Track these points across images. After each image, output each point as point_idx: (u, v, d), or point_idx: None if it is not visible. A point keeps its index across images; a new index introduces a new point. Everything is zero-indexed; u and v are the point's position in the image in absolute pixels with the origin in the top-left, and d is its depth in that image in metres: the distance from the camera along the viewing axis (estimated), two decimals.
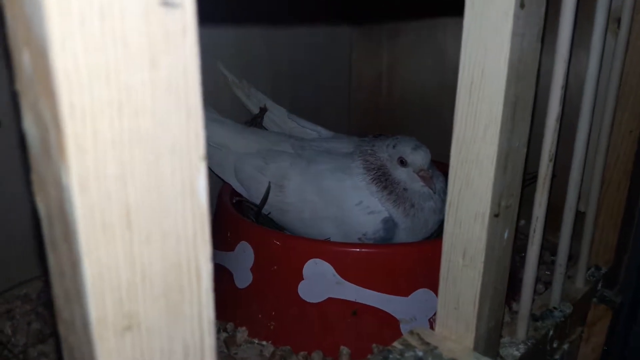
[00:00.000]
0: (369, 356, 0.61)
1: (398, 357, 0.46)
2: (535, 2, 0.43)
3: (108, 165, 0.20)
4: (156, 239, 0.22)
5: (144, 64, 0.20)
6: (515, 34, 0.41)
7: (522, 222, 0.89)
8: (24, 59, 0.20)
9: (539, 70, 0.46)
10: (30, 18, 0.18)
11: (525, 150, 0.46)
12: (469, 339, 0.47)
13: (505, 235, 0.46)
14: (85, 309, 0.21)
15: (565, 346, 0.67)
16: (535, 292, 0.75)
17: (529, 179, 0.64)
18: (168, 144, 0.21)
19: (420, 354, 0.46)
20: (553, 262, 0.72)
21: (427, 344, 0.47)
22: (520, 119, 0.44)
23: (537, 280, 0.80)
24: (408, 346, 0.47)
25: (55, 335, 0.68)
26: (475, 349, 0.47)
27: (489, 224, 0.44)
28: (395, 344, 0.47)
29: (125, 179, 0.20)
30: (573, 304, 0.66)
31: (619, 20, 0.65)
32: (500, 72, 0.42)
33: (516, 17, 0.41)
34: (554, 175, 0.61)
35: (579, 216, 0.71)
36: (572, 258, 0.78)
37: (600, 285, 0.74)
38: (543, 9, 0.44)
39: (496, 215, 0.44)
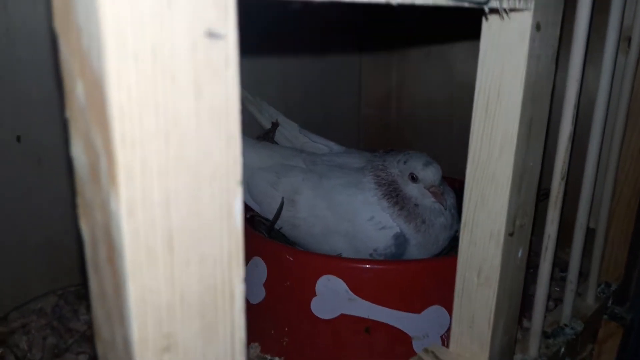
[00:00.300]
0: None
1: None
2: (551, 25, 0.44)
3: (154, 191, 0.21)
4: (195, 261, 0.23)
5: (190, 94, 0.21)
6: (531, 56, 0.42)
7: (532, 238, 0.89)
8: (77, 89, 0.20)
9: (553, 89, 0.47)
10: (87, 52, 0.19)
11: (539, 169, 0.47)
12: (483, 357, 0.47)
13: (520, 254, 0.47)
14: (128, 329, 0.22)
15: None
16: (546, 308, 0.75)
17: (541, 196, 0.65)
18: (209, 171, 0.22)
19: None
20: (563, 279, 0.72)
21: None
22: (535, 139, 0.45)
23: (548, 297, 0.80)
24: None
25: (83, 334, 0.68)
26: None
27: (504, 243, 0.44)
28: None
29: (169, 205, 0.21)
30: (584, 321, 0.66)
31: (629, 39, 0.66)
32: (516, 93, 0.42)
33: (532, 39, 0.42)
34: (565, 193, 0.61)
35: (590, 233, 0.71)
36: (582, 275, 0.78)
37: (610, 302, 0.74)
38: (558, 31, 0.45)
39: (511, 234, 0.45)
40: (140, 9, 0.19)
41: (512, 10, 0.41)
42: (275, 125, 0.93)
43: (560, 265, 0.84)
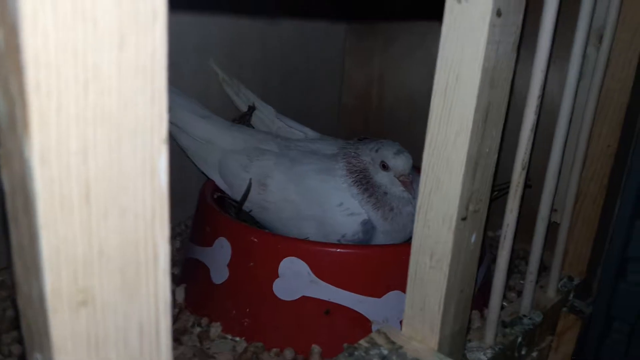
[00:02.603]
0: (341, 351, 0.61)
1: (363, 354, 0.46)
2: (513, 11, 0.44)
3: (71, 141, 0.21)
4: (114, 215, 0.22)
5: (113, 45, 0.21)
6: (490, 42, 0.42)
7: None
8: None
9: (513, 79, 0.47)
10: None
11: (496, 156, 0.47)
12: (434, 340, 0.48)
13: (473, 239, 0.47)
14: (41, 281, 0.21)
15: (535, 354, 0.68)
16: (508, 300, 0.76)
17: (506, 189, 0.66)
18: (131, 125, 0.22)
19: (385, 352, 0.47)
20: None
21: (393, 343, 0.48)
22: (492, 126, 0.45)
23: (511, 289, 0.81)
24: (374, 344, 0.48)
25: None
26: (440, 350, 0.48)
27: (456, 227, 0.44)
28: (362, 341, 0.48)
29: (87, 155, 0.21)
30: (543, 312, 0.67)
31: (601, 37, 0.67)
32: (474, 77, 0.43)
33: (492, 25, 0.42)
34: (529, 186, 0.62)
35: (555, 227, 0.72)
36: (547, 269, 0.79)
37: (572, 295, 0.75)
38: (520, 18, 0.45)
39: (464, 219, 0.45)
40: None
41: None
42: (251, 108, 0.92)
43: (527, 259, 0.85)
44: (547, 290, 0.71)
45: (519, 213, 0.56)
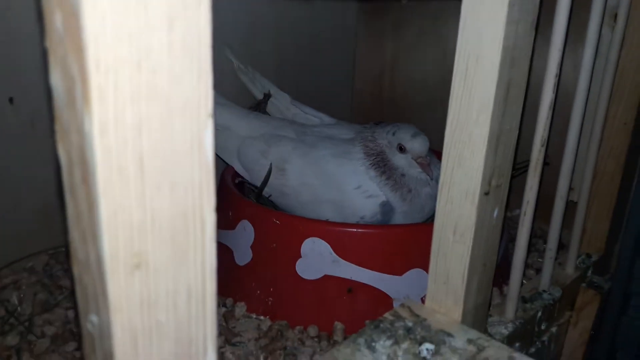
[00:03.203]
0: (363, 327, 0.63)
1: (389, 326, 0.48)
2: None
3: (126, 115, 0.22)
4: (166, 187, 0.24)
5: (163, 27, 0.22)
6: (509, 21, 0.43)
7: (518, 211, 0.91)
8: (56, 19, 0.22)
9: (532, 58, 0.48)
10: None
11: (517, 132, 0.48)
12: (457, 313, 0.49)
13: (495, 213, 0.48)
14: (100, 246, 0.23)
15: (554, 329, 0.69)
16: (526, 277, 0.77)
17: (525, 167, 0.67)
18: (181, 101, 0.24)
19: (410, 324, 0.48)
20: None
21: (417, 316, 0.50)
22: (513, 103, 0.46)
23: (530, 266, 0.82)
24: (399, 317, 0.49)
25: (72, 290, 0.70)
26: (463, 322, 0.49)
27: (479, 202, 0.46)
28: (387, 315, 0.50)
29: (141, 129, 0.23)
30: (562, 288, 0.68)
31: (615, 15, 0.67)
32: (494, 57, 0.44)
33: (511, 4, 0.43)
34: (547, 163, 0.63)
35: (573, 206, 0.73)
36: (565, 247, 0.80)
37: (590, 272, 0.76)
38: None
39: (486, 194, 0.46)
40: None
41: None
42: (267, 96, 0.94)
43: (545, 237, 0.86)
44: (565, 267, 0.73)
45: (538, 192, 0.57)
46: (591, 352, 0.77)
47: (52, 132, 0.24)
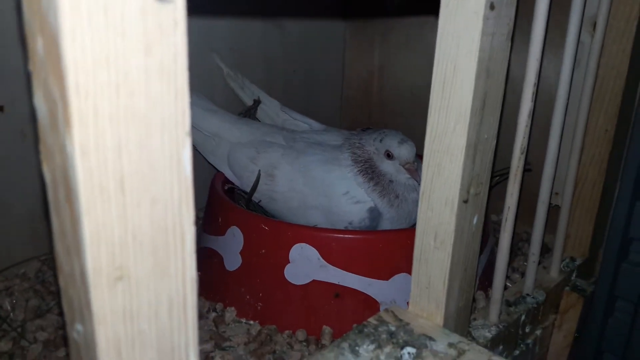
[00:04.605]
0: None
1: (372, 330, 0.49)
2: (505, 4, 0.46)
3: (107, 137, 0.23)
4: (146, 204, 0.25)
5: (140, 52, 0.24)
6: (485, 33, 0.45)
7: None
8: (37, 45, 0.23)
9: (509, 67, 0.49)
10: (46, 12, 0.22)
11: (494, 141, 0.50)
12: (439, 317, 0.50)
13: (475, 220, 0.50)
14: (83, 260, 0.24)
15: (538, 332, 0.70)
16: (512, 281, 0.78)
17: (507, 174, 0.68)
18: (158, 121, 0.25)
19: (393, 329, 0.50)
20: None
21: (400, 320, 0.51)
22: (490, 113, 0.48)
23: (516, 270, 0.84)
24: (382, 322, 0.51)
25: (58, 295, 0.71)
26: (445, 326, 0.51)
27: (458, 209, 0.47)
28: (371, 319, 0.51)
29: (121, 149, 0.24)
30: (546, 291, 0.69)
31: (594, 24, 0.69)
32: (470, 68, 0.45)
33: (486, 18, 0.44)
34: (529, 169, 0.64)
35: (558, 210, 0.74)
36: (549, 250, 0.81)
37: (574, 275, 0.77)
38: (513, 11, 0.48)
39: (465, 202, 0.48)
40: None
41: None
42: (256, 102, 0.95)
43: (529, 241, 0.87)
44: (550, 270, 0.74)
45: (522, 197, 0.59)
46: (576, 354, 0.79)
47: (37, 152, 0.26)
